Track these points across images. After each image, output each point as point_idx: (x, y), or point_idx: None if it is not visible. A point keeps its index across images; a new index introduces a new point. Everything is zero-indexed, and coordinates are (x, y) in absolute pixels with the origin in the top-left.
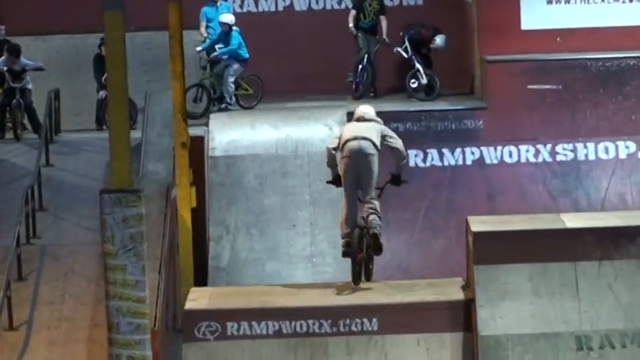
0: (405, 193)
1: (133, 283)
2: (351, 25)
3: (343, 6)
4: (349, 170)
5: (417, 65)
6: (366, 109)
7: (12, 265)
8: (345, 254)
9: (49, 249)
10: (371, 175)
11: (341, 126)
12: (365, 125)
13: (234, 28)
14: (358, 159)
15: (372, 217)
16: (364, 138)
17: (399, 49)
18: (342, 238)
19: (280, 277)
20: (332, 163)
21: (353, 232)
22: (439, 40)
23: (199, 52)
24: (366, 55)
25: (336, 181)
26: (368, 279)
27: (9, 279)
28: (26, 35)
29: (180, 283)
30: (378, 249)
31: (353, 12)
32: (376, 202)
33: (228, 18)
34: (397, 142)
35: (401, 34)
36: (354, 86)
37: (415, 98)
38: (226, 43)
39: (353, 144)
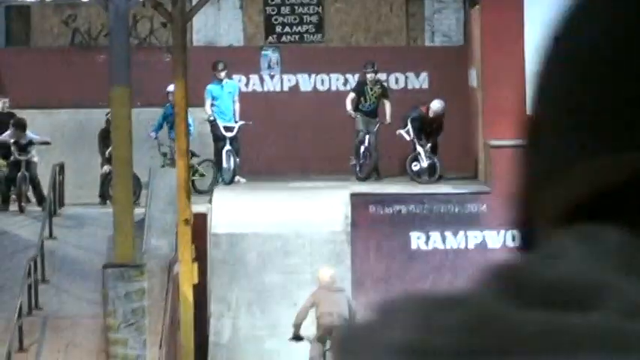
0: (407, 275)
1: (134, 358)
2: (349, 107)
3: (348, 87)
4: (322, 341)
5: (419, 148)
6: (332, 275)
7: (13, 336)
8: None
9: (50, 321)
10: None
11: (343, 207)
12: (337, 297)
13: None
14: (331, 333)
15: None
16: (341, 316)
17: (402, 132)
18: None
19: (280, 355)
20: (298, 324)
21: None
22: (436, 103)
23: (155, 137)
24: (367, 137)
25: (298, 338)
26: None
27: (10, 350)
28: (31, 108)
29: (181, 358)
30: None
31: (352, 95)
32: None
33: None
34: (357, 314)
35: (411, 120)
36: (357, 168)
37: (416, 181)
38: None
39: (329, 319)
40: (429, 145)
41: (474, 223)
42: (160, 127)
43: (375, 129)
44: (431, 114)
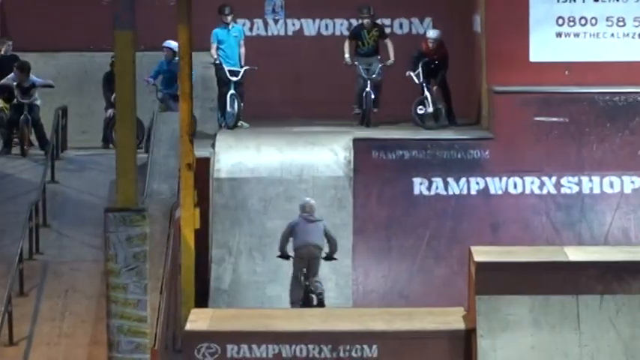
0: (409, 221)
1: (135, 302)
2: (346, 55)
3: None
4: (299, 263)
5: (426, 92)
6: (312, 206)
7: (14, 280)
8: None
9: (51, 265)
10: (317, 268)
11: (345, 152)
12: (313, 227)
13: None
14: (309, 260)
15: (317, 284)
16: (314, 246)
17: (411, 74)
18: (291, 303)
19: (281, 300)
20: (283, 247)
21: (297, 301)
22: (430, 32)
23: (152, 83)
24: (368, 82)
25: (284, 257)
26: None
27: (10, 294)
28: (34, 52)
29: (181, 303)
30: (323, 305)
31: (348, 41)
32: (319, 280)
33: (173, 44)
34: (333, 239)
35: (415, 59)
36: (361, 116)
37: (421, 126)
38: (170, 73)
39: (304, 251)
40: (435, 88)
41: (477, 169)
42: (157, 74)
43: (378, 69)
44: (430, 44)
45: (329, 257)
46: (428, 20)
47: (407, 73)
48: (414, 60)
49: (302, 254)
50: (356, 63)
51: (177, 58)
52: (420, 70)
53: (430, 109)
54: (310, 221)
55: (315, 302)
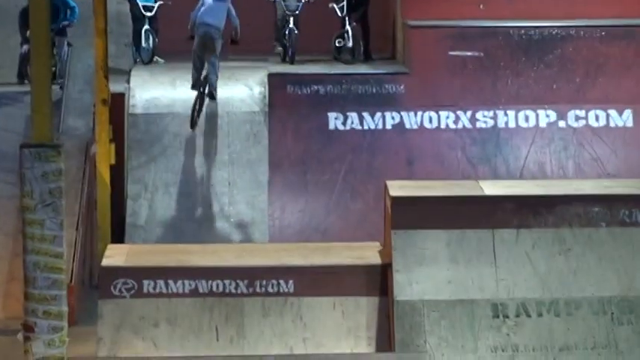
0: (325, 156)
1: (51, 238)
2: None
3: None
4: (199, 44)
5: (347, 27)
6: None
7: None
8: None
9: None
10: (214, 48)
11: (260, 87)
12: (216, 7)
13: None
14: (206, 40)
15: (211, 75)
16: (210, 25)
17: (335, 6)
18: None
19: (197, 236)
20: (192, 26)
21: (196, 83)
22: None
23: None
24: (291, 18)
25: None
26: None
27: None
28: None
29: (98, 239)
30: (212, 97)
31: None
32: (217, 59)
33: None
34: (236, 21)
35: None
36: (283, 53)
37: (338, 60)
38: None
39: (201, 30)
40: (354, 24)
41: (392, 103)
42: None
43: (299, 9)
44: None
45: (233, 41)
46: None
47: (330, 5)
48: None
49: (199, 33)
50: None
51: None
52: (344, 2)
53: (349, 44)
54: (216, 1)
55: (205, 91)
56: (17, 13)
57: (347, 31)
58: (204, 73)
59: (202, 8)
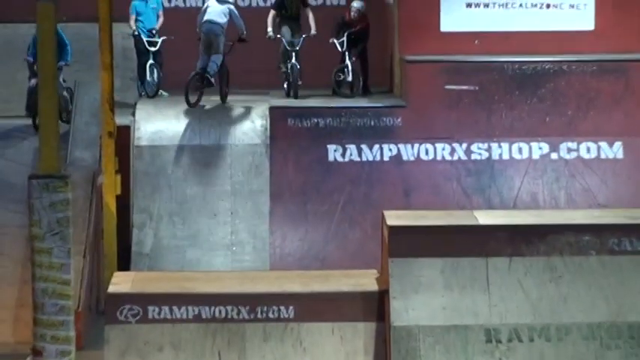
0: (324, 187)
1: (59, 266)
2: (269, 29)
3: (268, 3)
4: (203, 41)
5: (347, 61)
6: None
7: None
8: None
9: None
10: (218, 45)
11: (262, 120)
12: (220, 9)
13: None
14: (210, 36)
15: (211, 64)
16: (216, 23)
17: (335, 41)
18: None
19: (201, 264)
20: (198, 29)
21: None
22: (354, 3)
23: (32, 62)
24: (292, 54)
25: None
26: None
27: None
28: None
29: (104, 267)
30: (209, 83)
31: (272, 12)
32: (219, 56)
33: None
34: (240, 22)
35: (338, 26)
36: (287, 87)
37: (337, 93)
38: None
39: (206, 26)
40: (354, 58)
41: (389, 136)
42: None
43: (301, 41)
44: (352, 14)
45: (240, 39)
46: None
47: (331, 40)
48: (337, 28)
49: (203, 30)
50: (279, 36)
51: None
52: (344, 38)
53: (349, 78)
54: (219, 2)
55: (205, 81)
56: (25, 48)
57: (347, 66)
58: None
59: (207, 10)
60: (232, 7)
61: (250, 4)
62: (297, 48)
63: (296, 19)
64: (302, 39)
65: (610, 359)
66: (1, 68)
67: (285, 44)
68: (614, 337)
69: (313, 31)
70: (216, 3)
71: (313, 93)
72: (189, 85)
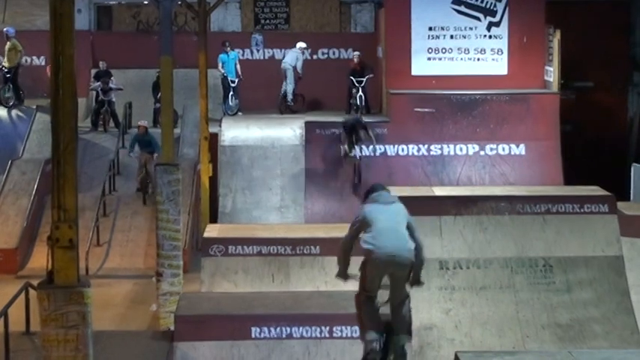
0: (338, 171)
1: (173, 220)
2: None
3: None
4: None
5: (354, 91)
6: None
7: (100, 207)
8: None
9: (122, 198)
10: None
11: (300, 129)
12: (294, 55)
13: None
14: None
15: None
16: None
17: (352, 78)
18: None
19: (261, 219)
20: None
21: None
22: (354, 54)
23: (135, 156)
24: (360, 88)
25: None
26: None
27: (98, 215)
28: (113, 69)
29: (201, 221)
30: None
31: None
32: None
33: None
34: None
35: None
36: (356, 109)
37: (353, 111)
38: (144, 142)
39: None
40: (361, 87)
41: (380, 139)
42: (134, 144)
43: (364, 83)
44: (355, 60)
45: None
46: (350, 50)
47: (349, 77)
48: (348, 74)
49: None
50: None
51: (148, 132)
52: (352, 80)
53: (357, 102)
54: (291, 51)
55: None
56: (151, 84)
57: (355, 95)
58: None
59: (286, 55)
60: (300, 54)
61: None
62: (364, 85)
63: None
64: (366, 78)
65: (517, 280)
66: (138, 97)
67: (354, 82)
68: (519, 266)
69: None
70: (289, 51)
71: (330, 112)
72: (280, 106)
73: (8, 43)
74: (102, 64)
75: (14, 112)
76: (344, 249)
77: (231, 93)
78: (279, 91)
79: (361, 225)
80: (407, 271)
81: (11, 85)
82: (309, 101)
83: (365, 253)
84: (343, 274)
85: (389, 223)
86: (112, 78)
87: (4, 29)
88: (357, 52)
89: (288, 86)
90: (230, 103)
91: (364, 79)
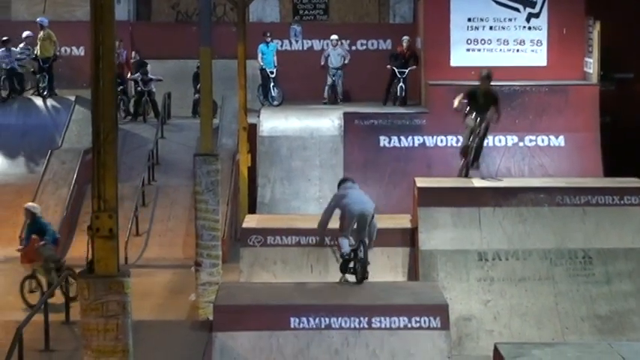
0: (377, 162)
1: (212, 210)
2: (456, 103)
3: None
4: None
5: (395, 81)
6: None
7: (139, 196)
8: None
9: (161, 188)
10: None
11: (339, 120)
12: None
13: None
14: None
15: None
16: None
17: (390, 66)
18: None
19: (300, 210)
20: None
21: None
22: (404, 38)
23: None
24: (401, 79)
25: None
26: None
27: (137, 205)
28: (152, 59)
29: (240, 211)
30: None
31: (463, 95)
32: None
33: None
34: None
35: (392, 57)
36: (395, 99)
37: (391, 102)
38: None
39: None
40: (402, 78)
41: (418, 130)
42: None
43: (405, 74)
44: (404, 44)
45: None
46: (389, 41)
47: (387, 66)
48: (391, 57)
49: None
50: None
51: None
52: (394, 70)
53: (398, 92)
54: (334, 48)
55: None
56: (192, 75)
57: (396, 83)
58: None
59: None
60: (343, 51)
61: (323, 47)
62: (405, 77)
63: (484, 111)
64: (408, 70)
65: (556, 272)
66: (177, 87)
67: (470, 130)
68: (559, 257)
69: (495, 121)
70: (331, 52)
71: (369, 102)
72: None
73: (42, 32)
74: (134, 55)
75: (49, 102)
76: (323, 225)
77: (272, 84)
78: (323, 83)
79: (336, 203)
80: (370, 219)
81: (47, 75)
82: (347, 92)
83: (342, 210)
84: (322, 240)
85: (359, 196)
86: (149, 67)
87: (38, 19)
88: (406, 37)
89: (339, 88)
90: (273, 93)
91: (406, 71)
